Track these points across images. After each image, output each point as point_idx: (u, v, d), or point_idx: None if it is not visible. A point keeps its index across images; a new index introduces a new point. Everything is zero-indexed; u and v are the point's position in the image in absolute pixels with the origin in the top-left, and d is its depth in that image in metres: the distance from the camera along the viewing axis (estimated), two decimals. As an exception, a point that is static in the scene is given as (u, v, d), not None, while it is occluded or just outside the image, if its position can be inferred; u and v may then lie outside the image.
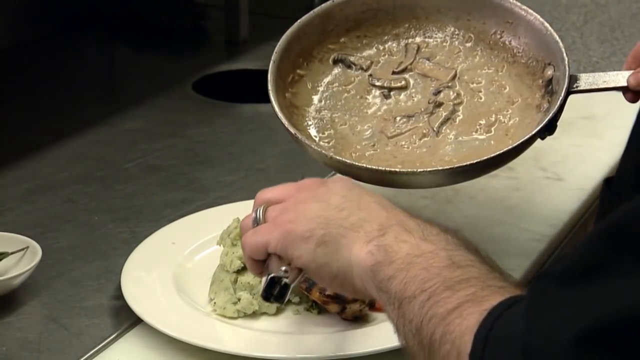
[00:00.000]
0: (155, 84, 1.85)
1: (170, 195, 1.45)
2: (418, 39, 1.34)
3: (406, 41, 1.34)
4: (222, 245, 1.23)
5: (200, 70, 1.90)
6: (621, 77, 1.20)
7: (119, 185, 1.48)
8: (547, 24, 1.28)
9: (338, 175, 1.03)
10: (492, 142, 1.25)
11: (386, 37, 1.34)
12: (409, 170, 1.19)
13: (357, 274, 0.93)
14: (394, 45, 1.34)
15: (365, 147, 1.26)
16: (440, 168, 1.18)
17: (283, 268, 0.98)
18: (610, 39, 3.70)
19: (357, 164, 1.19)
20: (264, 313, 1.18)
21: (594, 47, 3.69)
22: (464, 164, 1.18)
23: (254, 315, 1.17)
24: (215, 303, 1.18)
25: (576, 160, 1.57)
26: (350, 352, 1.10)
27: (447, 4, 1.34)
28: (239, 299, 1.17)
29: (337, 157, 1.19)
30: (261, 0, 2.14)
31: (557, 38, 1.26)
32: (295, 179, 1.46)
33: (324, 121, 1.29)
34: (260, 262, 1.01)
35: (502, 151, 1.18)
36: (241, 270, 1.18)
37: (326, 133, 1.28)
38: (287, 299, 1.00)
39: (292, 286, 0.98)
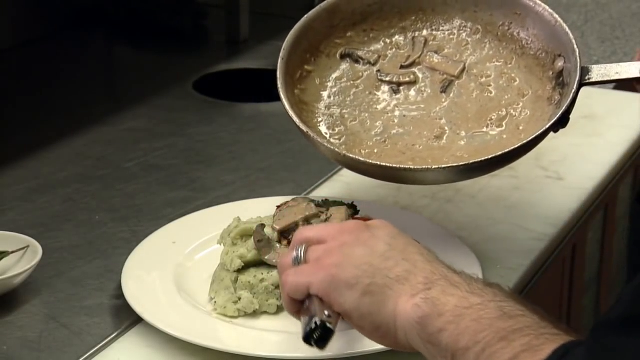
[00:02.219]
0: (155, 83, 1.85)
1: (170, 195, 1.45)
2: (425, 32, 1.33)
3: (413, 34, 1.33)
4: (222, 245, 1.22)
5: (201, 69, 1.90)
6: (634, 68, 1.19)
7: (119, 184, 1.48)
8: (556, 15, 1.26)
9: (379, 220, 1.01)
10: (504, 136, 1.24)
11: (393, 31, 1.33)
12: (423, 167, 1.19)
13: (401, 327, 0.91)
14: (401, 38, 1.33)
15: (376, 143, 1.26)
16: (454, 165, 1.18)
17: (327, 312, 0.94)
18: (610, 38, 3.70)
19: (370, 161, 1.20)
20: (265, 312, 1.18)
21: (595, 46, 3.69)
22: (477, 160, 1.17)
23: (255, 314, 1.17)
24: (215, 302, 1.18)
25: (577, 160, 1.57)
26: (350, 352, 1.10)
27: None
28: (240, 298, 1.17)
29: (350, 155, 1.20)
30: (261, 0, 2.14)
31: (567, 29, 1.25)
32: (296, 178, 1.48)
33: (334, 118, 1.29)
34: (299, 302, 0.97)
35: (515, 146, 1.17)
36: (242, 270, 1.18)
37: (337, 130, 1.28)
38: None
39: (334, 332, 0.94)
